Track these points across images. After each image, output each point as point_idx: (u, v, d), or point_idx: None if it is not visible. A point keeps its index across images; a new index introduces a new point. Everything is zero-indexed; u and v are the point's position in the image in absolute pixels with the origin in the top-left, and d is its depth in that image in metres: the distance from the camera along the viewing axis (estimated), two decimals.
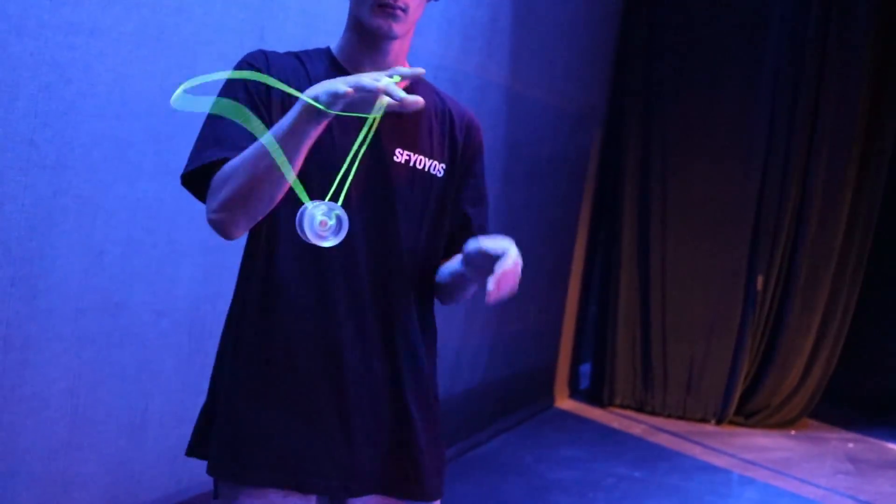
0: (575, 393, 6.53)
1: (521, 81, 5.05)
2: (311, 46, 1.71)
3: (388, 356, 1.63)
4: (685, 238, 6.08)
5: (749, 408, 6.04)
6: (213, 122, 1.55)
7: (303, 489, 1.58)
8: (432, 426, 1.69)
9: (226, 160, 1.50)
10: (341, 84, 1.36)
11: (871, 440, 5.88)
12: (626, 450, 5.23)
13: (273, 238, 1.59)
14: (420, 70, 1.43)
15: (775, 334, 5.96)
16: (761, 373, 6.02)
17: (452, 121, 1.71)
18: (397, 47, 1.63)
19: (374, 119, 1.50)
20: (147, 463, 2.89)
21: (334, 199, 1.50)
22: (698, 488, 4.58)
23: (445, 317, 4.55)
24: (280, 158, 1.38)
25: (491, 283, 1.44)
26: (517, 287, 1.50)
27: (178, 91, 1.39)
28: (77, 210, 2.51)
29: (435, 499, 1.69)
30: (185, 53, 2.80)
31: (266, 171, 1.42)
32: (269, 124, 1.52)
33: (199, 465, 1.70)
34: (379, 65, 1.62)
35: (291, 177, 1.41)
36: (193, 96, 1.40)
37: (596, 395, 6.32)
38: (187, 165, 1.56)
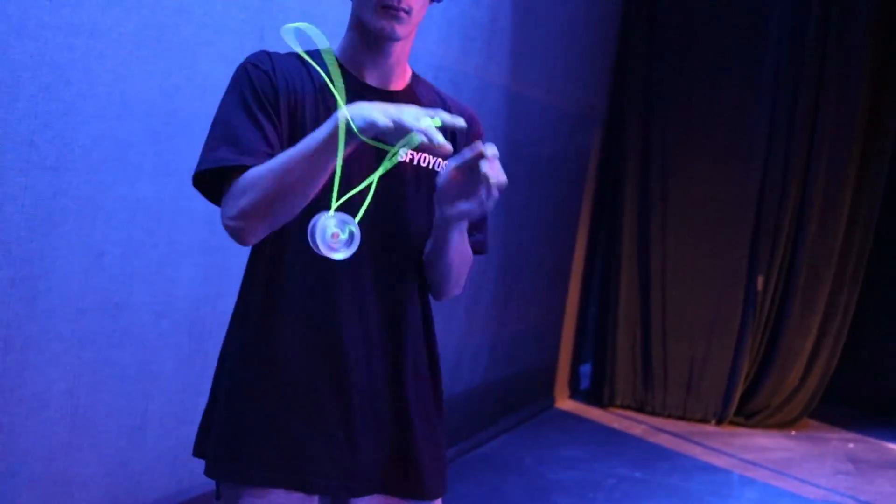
0: (575, 393, 6.53)
1: (521, 82, 5.05)
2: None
3: (390, 357, 1.64)
4: (685, 238, 6.08)
5: (749, 408, 6.04)
6: (226, 122, 1.55)
7: (306, 489, 1.59)
8: (433, 426, 1.69)
9: (243, 167, 1.50)
10: (381, 115, 1.36)
11: (872, 440, 5.88)
12: (627, 450, 5.23)
13: (281, 240, 1.59)
14: (462, 122, 1.41)
15: (776, 334, 5.96)
16: (762, 373, 6.02)
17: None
18: (399, 49, 1.63)
19: (398, 152, 1.48)
20: (147, 463, 2.89)
21: (344, 210, 1.49)
22: (699, 488, 4.58)
23: (445, 316, 4.57)
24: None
25: (484, 167, 1.43)
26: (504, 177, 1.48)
27: (291, 26, 1.39)
28: (77, 211, 2.51)
29: (436, 497, 1.70)
30: (185, 54, 2.80)
31: (292, 184, 1.44)
32: (277, 126, 1.54)
33: (200, 465, 1.70)
34: (380, 66, 1.63)
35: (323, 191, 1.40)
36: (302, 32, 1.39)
37: (596, 396, 6.32)
38: (200, 164, 1.56)
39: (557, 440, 5.30)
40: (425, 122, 1.35)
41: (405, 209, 1.63)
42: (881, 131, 5.80)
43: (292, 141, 1.55)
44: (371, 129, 1.38)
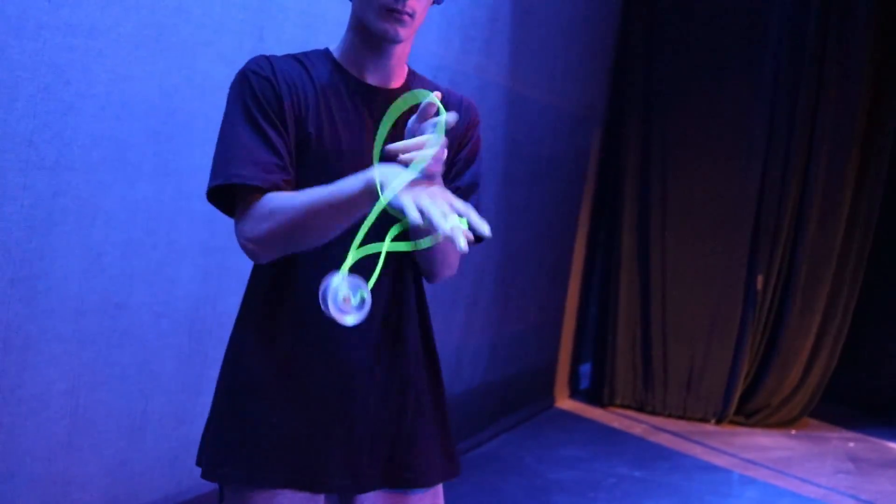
0: (575, 393, 6.53)
1: (520, 82, 5.05)
2: (310, 47, 1.71)
3: (389, 351, 1.65)
4: (685, 238, 6.07)
5: (749, 407, 6.04)
6: (236, 137, 1.55)
7: (314, 488, 1.60)
8: (432, 414, 1.71)
9: (259, 188, 1.51)
10: (412, 207, 1.33)
11: (872, 439, 5.88)
12: (627, 449, 5.23)
13: None
14: (487, 231, 1.39)
15: (775, 334, 5.95)
16: (761, 372, 6.01)
17: (448, 109, 1.71)
18: (400, 50, 1.64)
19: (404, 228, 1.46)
20: (147, 463, 2.89)
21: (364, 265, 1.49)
22: (699, 488, 4.58)
23: (445, 316, 4.57)
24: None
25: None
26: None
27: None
28: (76, 211, 2.51)
29: (437, 483, 1.72)
30: (184, 54, 2.80)
31: (317, 226, 1.47)
32: (284, 135, 1.54)
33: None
34: (381, 67, 1.63)
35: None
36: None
37: (596, 395, 6.32)
38: (214, 178, 1.56)
39: (557, 440, 5.30)
40: (453, 222, 1.33)
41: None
42: (881, 131, 5.79)
43: (298, 145, 1.56)
44: (400, 212, 1.37)
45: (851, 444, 5.72)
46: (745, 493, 4.58)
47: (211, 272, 3.03)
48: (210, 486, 3.00)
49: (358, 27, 1.62)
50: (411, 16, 1.56)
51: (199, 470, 1.70)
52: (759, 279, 5.84)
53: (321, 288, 1.40)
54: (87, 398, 2.64)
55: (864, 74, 5.66)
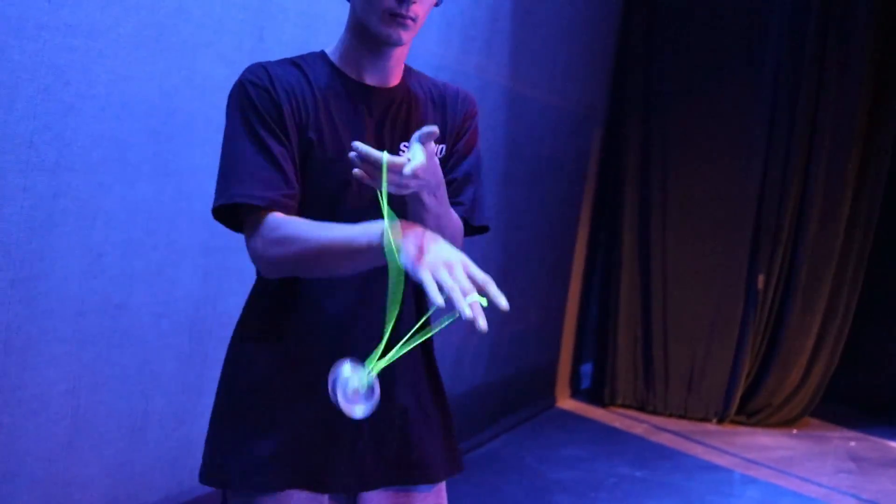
0: (576, 393, 6.52)
1: (521, 81, 5.05)
2: (310, 48, 1.71)
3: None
4: (686, 237, 6.07)
5: (751, 407, 6.03)
6: (240, 153, 1.54)
7: (319, 488, 1.61)
8: (432, 412, 1.72)
9: (266, 208, 1.51)
10: (431, 283, 1.32)
11: (873, 439, 5.87)
12: (628, 449, 5.23)
13: None
14: (505, 305, 1.39)
15: (776, 333, 5.95)
16: (763, 372, 6.01)
17: (445, 101, 1.72)
18: (399, 52, 1.64)
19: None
20: (147, 464, 2.89)
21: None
22: (700, 487, 4.58)
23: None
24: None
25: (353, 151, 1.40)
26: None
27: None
28: (77, 212, 2.51)
29: (441, 479, 1.72)
30: (184, 54, 2.80)
31: (328, 263, 1.48)
32: (288, 147, 1.54)
33: (200, 466, 1.70)
34: (380, 68, 1.63)
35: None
36: None
37: (597, 395, 6.31)
38: (219, 197, 1.55)
39: (558, 440, 5.30)
40: (471, 301, 1.32)
41: (402, 201, 1.63)
42: (881, 130, 5.79)
43: (301, 152, 1.56)
44: (412, 272, 1.35)
45: (853, 444, 5.71)
46: (747, 492, 4.58)
47: (211, 272, 3.03)
48: (211, 487, 2.99)
49: (357, 29, 1.61)
50: (414, 20, 1.57)
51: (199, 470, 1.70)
52: (760, 279, 5.84)
53: (331, 377, 1.38)
54: (88, 399, 2.64)
55: (865, 74, 5.65)
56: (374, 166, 1.39)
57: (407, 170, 1.39)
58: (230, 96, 1.59)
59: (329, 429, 1.61)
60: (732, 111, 5.97)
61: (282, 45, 3.11)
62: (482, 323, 1.31)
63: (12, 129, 2.29)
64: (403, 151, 1.63)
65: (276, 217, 1.51)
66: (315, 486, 1.61)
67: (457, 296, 1.30)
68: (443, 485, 1.75)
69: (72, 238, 2.51)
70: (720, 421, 6.00)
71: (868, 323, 6.35)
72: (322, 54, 1.66)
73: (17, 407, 2.42)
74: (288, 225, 1.50)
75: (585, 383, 6.65)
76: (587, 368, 6.69)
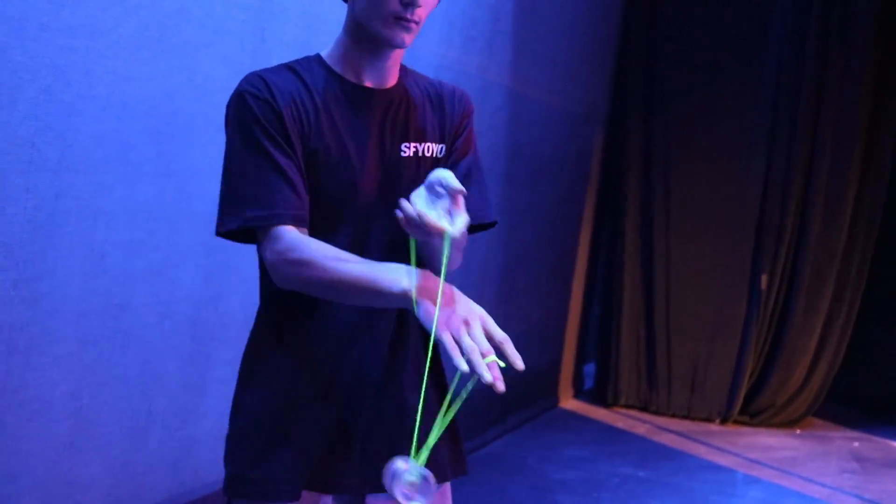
0: (579, 393, 6.52)
1: (522, 82, 5.05)
2: (312, 48, 1.70)
3: (396, 348, 1.67)
4: (688, 237, 6.07)
5: (754, 407, 6.03)
6: (250, 169, 1.53)
7: (329, 490, 1.63)
8: (436, 416, 1.71)
9: (280, 224, 1.51)
10: (450, 341, 1.35)
11: (877, 439, 5.87)
12: (631, 449, 5.23)
13: None
14: (520, 363, 1.40)
15: (780, 333, 5.94)
16: (766, 372, 6.00)
17: (442, 100, 1.72)
18: (397, 53, 1.64)
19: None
20: (150, 464, 2.89)
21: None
22: (703, 488, 4.58)
23: None
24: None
25: (401, 211, 1.42)
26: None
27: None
28: (79, 212, 2.51)
29: (444, 481, 1.72)
30: (185, 55, 2.80)
31: (347, 297, 1.49)
32: (293, 158, 1.53)
33: (203, 465, 1.71)
34: (378, 69, 1.63)
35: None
36: None
37: (600, 395, 6.31)
38: (229, 218, 1.54)
39: (561, 440, 5.29)
40: (490, 359, 1.35)
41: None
42: (883, 129, 5.78)
43: (306, 160, 1.55)
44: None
45: (856, 444, 5.70)
46: (750, 492, 4.57)
47: (213, 273, 3.03)
48: (213, 487, 3.00)
49: (357, 31, 1.60)
50: (417, 23, 1.57)
51: (202, 470, 1.71)
52: (764, 278, 5.84)
53: (387, 473, 1.39)
54: (90, 399, 2.64)
55: (866, 73, 5.65)
56: (421, 228, 1.41)
57: (455, 234, 1.41)
58: (230, 108, 1.58)
59: (340, 431, 1.62)
60: (734, 110, 5.96)
61: (283, 45, 3.11)
62: (501, 386, 1.34)
63: (14, 130, 2.30)
64: (404, 152, 1.63)
65: (294, 236, 1.50)
66: (324, 487, 1.62)
67: (476, 359, 1.33)
68: (448, 485, 1.75)
69: (74, 238, 2.51)
70: (723, 421, 5.99)
71: (871, 323, 6.34)
72: (318, 58, 1.64)
73: (20, 407, 2.42)
74: (309, 249, 1.49)
75: (588, 383, 6.65)
76: (590, 368, 6.69)
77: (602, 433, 5.58)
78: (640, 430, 5.73)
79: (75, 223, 2.51)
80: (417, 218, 1.39)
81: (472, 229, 1.64)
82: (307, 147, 1.56)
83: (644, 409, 6.17)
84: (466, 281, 4.55)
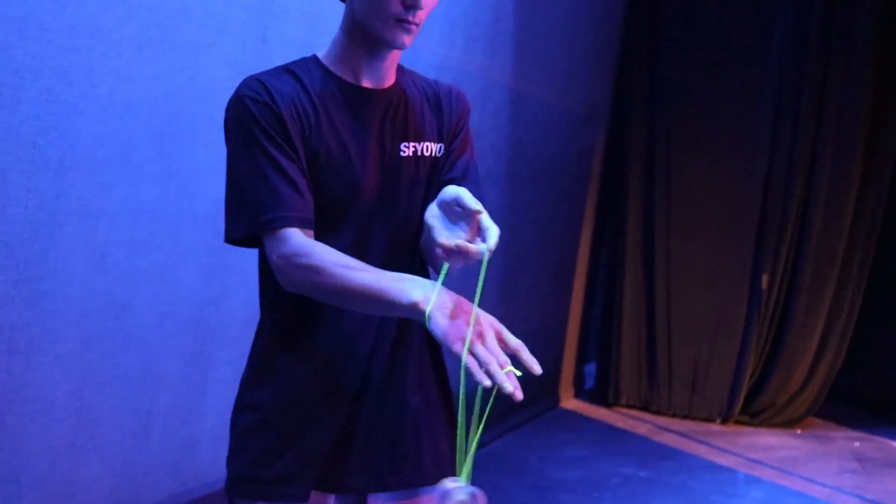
0: (580, 392, 6.52)
1: (524, 81, 5.05)
2: (313, 48, 1.70)
3: (400, 348, 1.67)
4: (690, 237, 6.07)
5: (754, 407, 6.03)
6: (255, 174, 1.52)
7: (335, 489, 1.63)
8: (440, 416, 1.73)
9: (286, 228, 1.50)
10: (459, 347, 1.35)
11: (878, 439, 5.87)
12: (632, 449, 5.23)
13: None
14: (537, 368, 1.40)
15: (781, 333, 5.94)
16: (767, 372, 6.00)
17: (440, 100, 1.72)
18: (396, 53, 1.64)
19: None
20: (151, 464, 2.89)
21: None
22: (704, 487, 4.58)
23: None
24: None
25: (445, 243, 1.39)
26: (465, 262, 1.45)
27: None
28: (80, 212, 2.51)
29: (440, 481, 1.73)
30: (186, 55, 2.80)
31: (356, 305, 1.48)
32: (296, 160, 1.53)
33: (204, 466, 1.71)
34: (376, 69, 1.63)
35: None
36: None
37: (601, 395, 6.31)
38: (238, 225, 1.54)
39: (562, 439, 5.29)
40: (508, 369, 1.35)
41: (405, 200, 1.64)
42: (885, 130, 5.78)
43: (308, 163, 1.55)
44: (442, 339, 1.38)
45: (857, 444, 5.70)
46: (751, 492, 4.58)
47: (214, 272, 3.03)
48: (215, 487, 3.00)
49: (355, 31, 1.60)
50: (417, 25, 1.57)
51: (204, 470, 1.71)
52: (765, 278, 5.84)
53: (437, 493, 1.40)
54: (92, 399, 2.64)
55: (869, 72, 5.65)
56: (460, 255, 1.40)
57: (492, 249, 1.40)
58: (229, 113, 1.57)
59: (346, 432, 1.62)
60: (736, 110, 5.96)
61: (285, 45, 3.11)
62: (520, 395, 1.34)
63: (16, 130, 2.30)
64: (404, 151, 1.63)
65: (301, 240, 1.50)
66: (326, 487, 1.62)
67: (495, 369, 1.34)
68: None
69: (75, 238, 2.51)
70: (724, 421, 5.99)
71: (872, 323, 6.34)
72: (315, 59, 1.64)
73: (21, 407, 2.43)
74: (317, 255, 1.48)
75: (589, 383, 6.65)
76: (591, 368, 6.69)
77: (603, 433, 5.58)
78: (641, 429, 5.73)
79: (77, 223, 2.51)
80: (457, 248, 1.38)
81: None
82: (308, 149, 1.56)
83: (645, 408, 6.17)
84: (468, 282, 4.55)
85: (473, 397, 1.40)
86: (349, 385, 1.62)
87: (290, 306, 1.61)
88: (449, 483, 1.40)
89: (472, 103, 1.83)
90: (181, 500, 3.01)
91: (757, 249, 5.88)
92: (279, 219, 1.50)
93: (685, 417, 6.04)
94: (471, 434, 1.42)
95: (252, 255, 1.67)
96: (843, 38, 5.66)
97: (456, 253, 1.39)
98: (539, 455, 4.91)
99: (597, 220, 6.41)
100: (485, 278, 1.43)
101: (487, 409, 1.41)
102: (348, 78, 1.62)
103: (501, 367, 1.34)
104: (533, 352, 1.43)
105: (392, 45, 1.57)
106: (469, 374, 1.34)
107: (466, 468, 1.41)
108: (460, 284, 1.45)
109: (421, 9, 1.54)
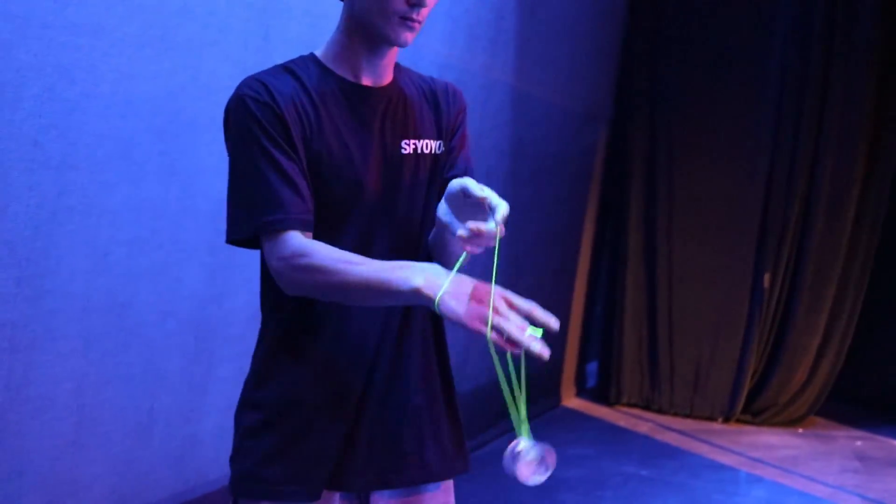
0: (582, 391, 6.52)
1: (526, 80, 5.05)
2: (316, 46, 1.70)
3: (403, 348, 1.66)
4: (691, 236, 6.06)
5: (756, 406, 6.02)
6: (255, 175, 1.52)
7: (339, 488, 1.63)
8: (443, 414, 1.73)
9: (286, 229, 1.50)
10: (478, 325, 1.36)
11: (879, 438, 5.86)
12: (634, 448, 5.23)
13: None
14: (555, 324, 1.39)
15: (782, 332, 5.94)
16: (768, 371, 6.00)
17: (437, 97, 1.72)
18: (394, 51, 1.64)
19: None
20: (153, 462, 2.89)
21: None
22: (706, 486, 4.58)
23: None
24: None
25: (463, 231, 1.40)
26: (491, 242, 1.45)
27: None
28: (82, 210, 2.52)
29: (447, 478, 1.74)
30: (188, 54, 2.80)
31: (357, 300, 1.49)
32: (297, 161, 1.53)
33: (205, 464, 1.71)
34: (375, 67, 1.62)
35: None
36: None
37: (603, 394, 6.31)
38: (239, 226, 1.54)
39: (564, 438, 5.29)
40: (530, 331, 1.35)
41: (406, 198, 1.64)
42: (888, 129, 5.77)
43: (309, 163, 1.55)
44: (457, 318, 1.38)
45: (859, 443, 5.70)
46: (752, 491, 4.57)
47: (216, 271, 3.03)
48: (217, 485, 3.01)
49: (356, 29, 1.60)
50: (420, 23, 1.57)
51: (205, 468, 1.71)
52: (766, 277, 5.83)
53: (508, 455, 1.43)
54: (94, 397, 2.64)
55: (871, 72, 5.64)
56: (479, 239, 1.41)
57: (502, 224, 1.41)
58: (229, 113, 1.57)
59: (350, 431, 1.62)
60: (738, 110, 5.95)
61: (287, 43, 3.11)
62: (547, 353, 1.35)
63: (18, 128, 2.30)
64: (404, 149, 1.63)
65: (300, 241, 1.49)
66: (332, 485, 1.62)
67: (518, 336, 1.34)
68: (451, 483, 1.76)
69: (77, 236, 2.51)
70: (726, 420, 5.99)
71: (874, 322, 6.33)
72: (313, 57, 1.63)
73: (23, 405, 2.43)
74: (317, 254, 1.48)
75: (591, 382, 6.65)
76: (592, 367, 6.69)
77: (605, 432, 5.58)
78: (643, 428, 5.73)
79: (78, 221, 2.51)
80: (470, 233, 1.39)
81: None
82: (310, 149, 1.55)
83: (647, 407, 6.17)
84: (476, 266, 4.55)
85: (507, 366, 1.41)
86: (353, 386, 1.62)
87: (292, 309, 1.60)
88: (518, 444, 1.43)
89: (474, 102, 1.83)
90: (183, 498, 3.01)
91: (758, 249, 5.88)
92: (278, 221, 1.49)
93: (687, 416, 6.04)
94: (517, 398, 1.45)
95: (254, 253, 1.67)
96: (845, 38, 5.65)
97: (473, 238, 1.39)
98: None
99: (598, 219, 6.41)
100: (483, 274, 1.43)
101: (523, 370, 1.42)
102: (348, 76, 1.62)
103: (522, 330, 1.34)
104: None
105: (394, 43, 1.57)
106: (497, 348, 1.35)
107: (525, 429, 1.44)
108: (469, 269, 1.45)
109: (425, 6, 1.54)
